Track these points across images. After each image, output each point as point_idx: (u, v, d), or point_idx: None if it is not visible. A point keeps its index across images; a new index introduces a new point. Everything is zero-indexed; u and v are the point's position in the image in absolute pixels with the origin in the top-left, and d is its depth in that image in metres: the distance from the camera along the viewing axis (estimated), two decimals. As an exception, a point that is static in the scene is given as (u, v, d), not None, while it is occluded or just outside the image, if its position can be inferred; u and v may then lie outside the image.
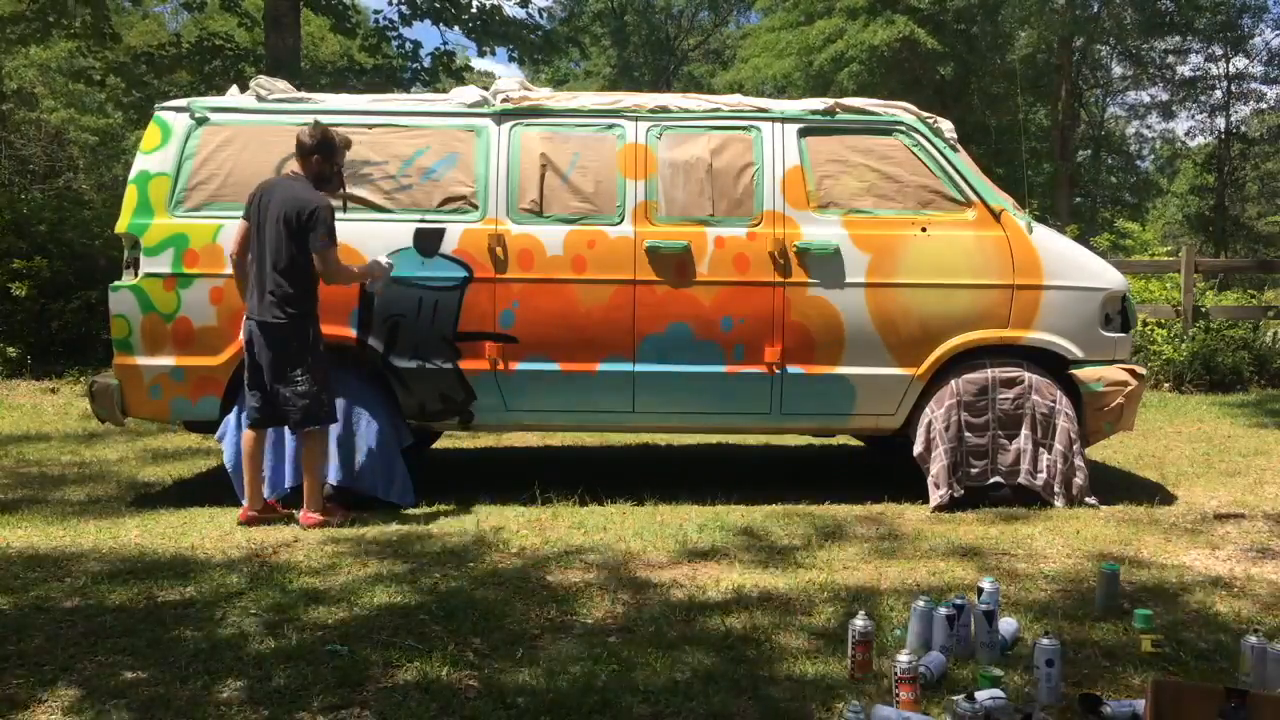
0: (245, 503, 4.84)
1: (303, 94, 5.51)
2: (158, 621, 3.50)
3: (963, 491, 5.15)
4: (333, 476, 5.08)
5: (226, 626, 3.46)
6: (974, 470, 5.19)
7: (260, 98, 5.40)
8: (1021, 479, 5.17)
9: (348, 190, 5.13)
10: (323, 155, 4.78)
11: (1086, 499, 5.18)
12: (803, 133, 5.35)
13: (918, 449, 5.22)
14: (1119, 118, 34.51)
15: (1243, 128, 31.46)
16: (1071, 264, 5.30)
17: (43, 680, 3.03)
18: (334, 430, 5.04)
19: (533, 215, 5.21)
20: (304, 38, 14.35)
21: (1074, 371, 5.25)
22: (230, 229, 5.09)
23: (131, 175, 5.29)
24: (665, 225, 5.22)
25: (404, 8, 14.25)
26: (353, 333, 5.11)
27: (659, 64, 38.70)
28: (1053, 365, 5.28)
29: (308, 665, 3.12)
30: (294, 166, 4.82)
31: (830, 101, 5.46)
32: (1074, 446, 5.17)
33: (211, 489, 5.46)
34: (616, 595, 3.78)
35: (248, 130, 5.27)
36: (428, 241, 5.15)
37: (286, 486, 5.08)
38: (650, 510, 5.11)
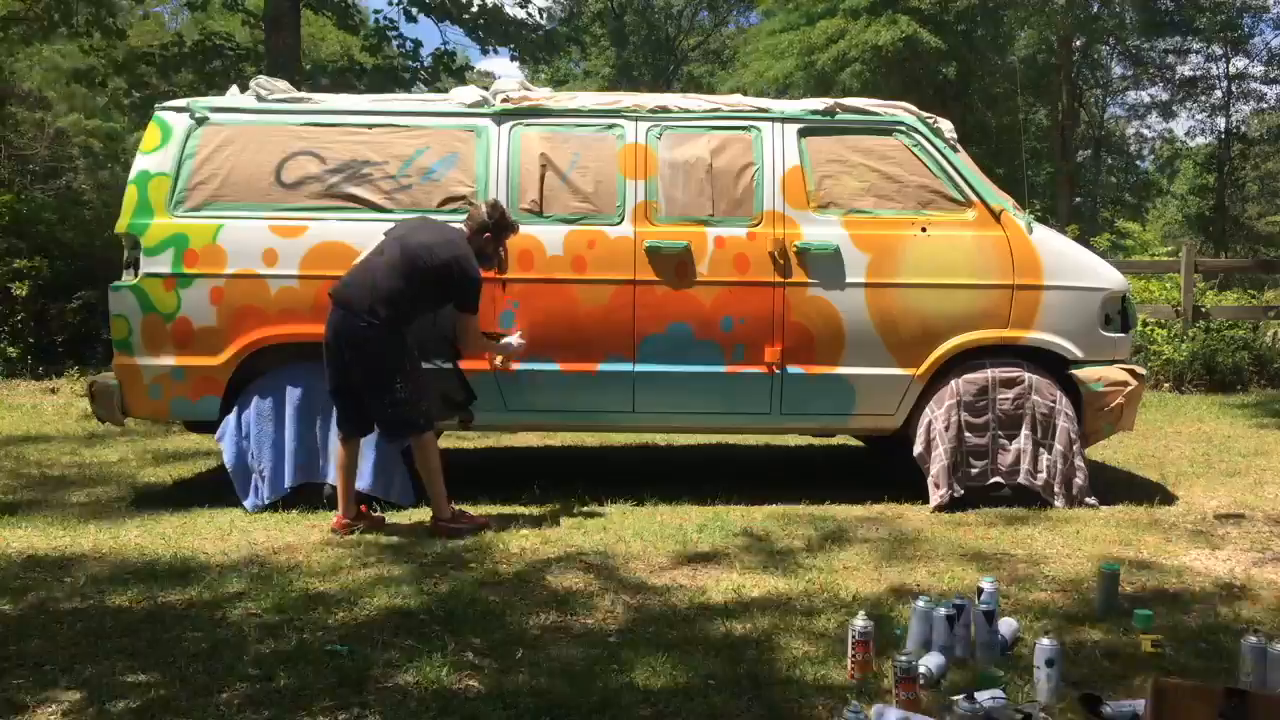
0: (339, 510, 4.76)
1: (303, 94, 5.51)
2: (158, 622, 3.50)
3: (962, 492, 5.15)
4: (332, 477, 5.08)
5: (227, 627, 3.46)
6: (974, 470, 5.19)
7: (260, 98, 5.40)
8: (1021, 479, 5.17)
9: (355, 193, 5.16)
10: (494, 234, 4.77)
11: (1086, 499, 5.18)
12: (803, 133, 5.35)
13: (918, 449, 5.22)
14: (1119, 118, 34.52)
15: (1243, 128, 31.43)
16: (1071, 264, 5.30)
17: (43, 681, 3.03)
18: (334, 430, 5.04)
19: (533, 215, 5.21)
20: (304, 38, 14.35)
21: (1074, 371, 5.25)
22: (230, 229, 5.10)
23: (131, 175, 5.29)
24: (665, 225, 5.22)
25: (410, 6, 14.25)
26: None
27: (659, 64, 38.67)
28: (1053, 365, 5.28)
29: (308, 666, 3.12)
30: (463, 227, 4.77)
31: (830, 101, 5.46)
32: (1074, 446, 5.17)
33: (212, 490, 5.45)
34: (617, 596, 3.78)
35: (248, 130, 5.27)
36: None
37: (285, 487, 5.08)
38: (650, 510, 5.11)
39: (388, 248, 4.66)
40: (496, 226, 4.76)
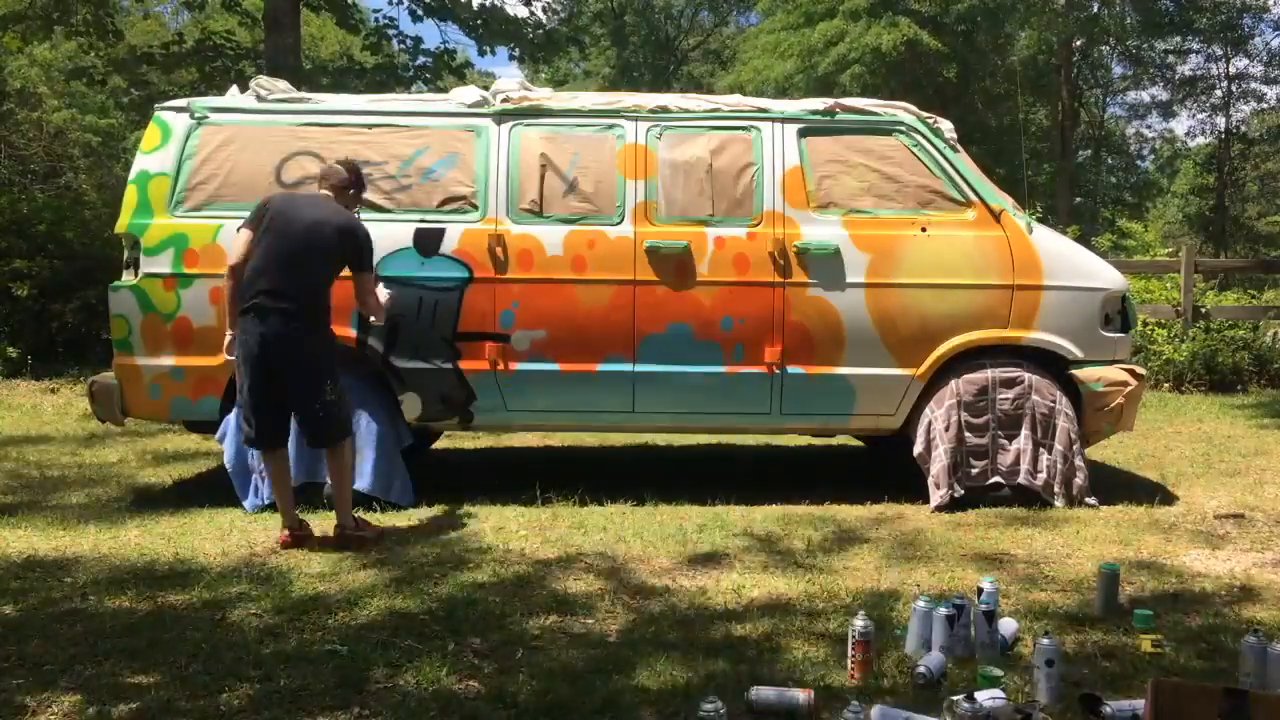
0: (284, 526, 4.52)
1: (303, 94, 5.51)
2: (158, 623, 3.50)
3: (963, 492, 5.15)
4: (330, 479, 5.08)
5: (227, 628, 3.46)
6: (974, 470, 5.19)
7: (260, 98, 5.40)
8: (1021, 479, 5.17)
9: None
10: (358, 190, 4.71)
11: (1086, 499, 5.18)
12: (803, 133, 5.35)
13: (918, 449, 5.21)
14: (1119, 118, 34.50)
15: (1243, 128, 31.43)
16: (1071, 264, 5.30)
17: (43, 681, 3.03)
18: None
19: (533, 215, 5.21)
20: (304, 38, 14.33)
21: (1074, 372, 5.25)
22: (231, 229, 5.10)
23: (131, 175, 5.29)
24: (665, 225, 5.22)
25: (413, 5, 14.23)
26: (353, 333, 5.11)
27: (659, 64, 38.66)
28: (1052, 365, 5.27)
29: (308, 666, 3.12)
30: (323, 190, 4.60)
31: (830, 102, 5.46)
32: (1074, 446, 5.17)
33: (211, 490, 5.45)
34: (617, 596, 3.78)
35: (248, 130, 5.27)
36: (428, 241, 5.15)
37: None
38: (650, 510, 5.11)
39: (280, 236, 4.40)
40: (358, 181, 4.67)
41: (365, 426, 5.10)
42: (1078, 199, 29.45)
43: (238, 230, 4.58)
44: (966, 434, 5.18)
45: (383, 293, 4.88)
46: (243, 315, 4.44)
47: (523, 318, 5.15)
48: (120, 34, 14.38)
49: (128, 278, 5.19)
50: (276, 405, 4.49)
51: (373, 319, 4.77)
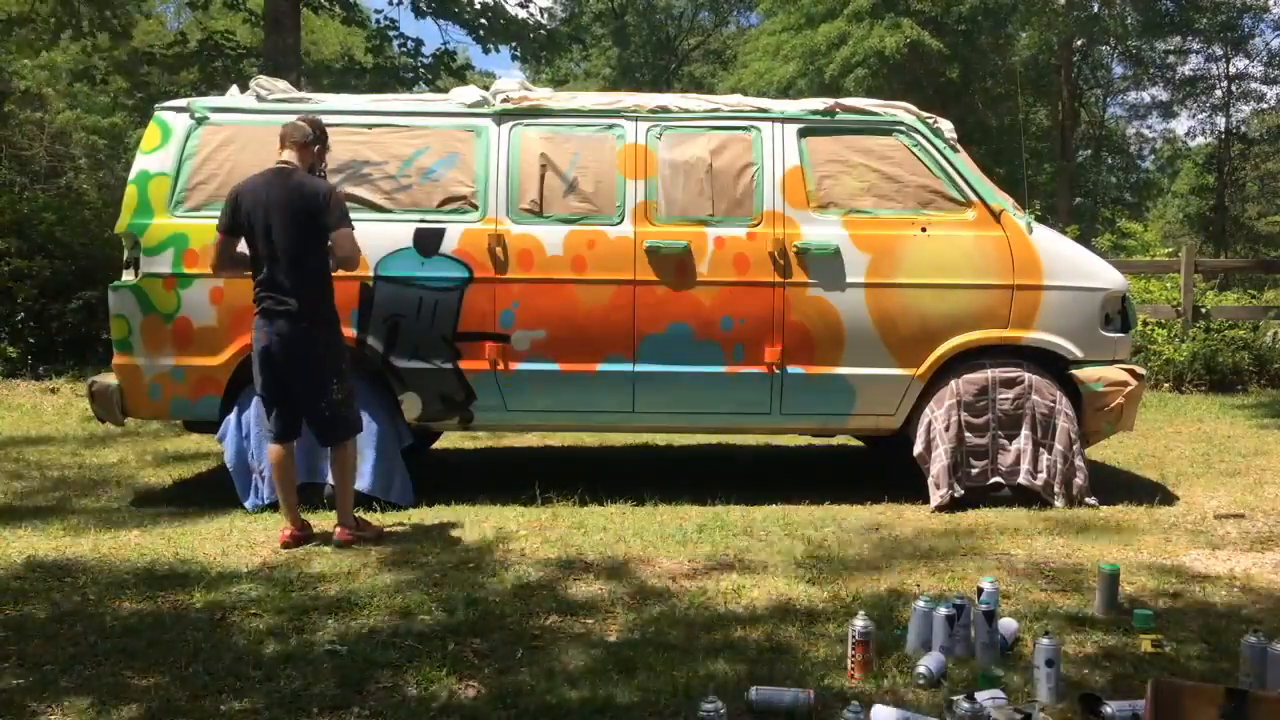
0: (287, 524, 4.52)
1: (303, 94, 5.51)
2: (158, 623, 3.50)
3: (963, 492, 5.15)
4: (332, 476, 5.08)
5: (227, 628, 3.46)
6: (974, 470, 5.19)
7: (260, 98, 5.40)
8: (1021, 479, 5.17)
9: (355, 193, 5.13)
10: (323, 145, 4.63)
11: (1086, 499, 5.18)
12: (802, 133, 5.35)
13: (918, 449, 5.21)
14: (1119, 118, 34.49)
15: (1243, 128, 31.41)
16: (1071, 264, 5.30)
17: (43, 682, 3.03)
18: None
19: (533, 215, 5.21)
20: (304, 38, 14.33)
21: (1074, 372, 5.25)
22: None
23: (131, 175, 5.29)
24: (665, 225, 5.22)
25: (419, 3, 14.23)
26: (352, 333, 5.11)
27: (659, 64, 38.65)
28: (1052, 365, 5.27)
29: (308, 666, 3.12)
30: (286, 152, 4.48)
31: (830, 102, 5.46)
32: (1074, 446, 5.17)
33: (212, 490, 5.46)
34: (616, 596, 3.78)
35: (248, 130, 5.27)
36: (428, 241, 5.15)
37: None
38: (650, 510, 5.11)
39: (265, 232, 4.34)
40: (322, 136, 4.60)
41: (365, 426, 5.09)
42: (1078, 199, 29.43)
43: (216, 229, 4.52)
44: (966, 434, 5.18)
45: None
46: (256, 316, 4.46)
47: (523, 318, 5.15)
48: (128, 32, 14.39)
49: (128, 278, 5.19)
50: (289, 402, 4.51)
51: (343, 268, 4.55)
